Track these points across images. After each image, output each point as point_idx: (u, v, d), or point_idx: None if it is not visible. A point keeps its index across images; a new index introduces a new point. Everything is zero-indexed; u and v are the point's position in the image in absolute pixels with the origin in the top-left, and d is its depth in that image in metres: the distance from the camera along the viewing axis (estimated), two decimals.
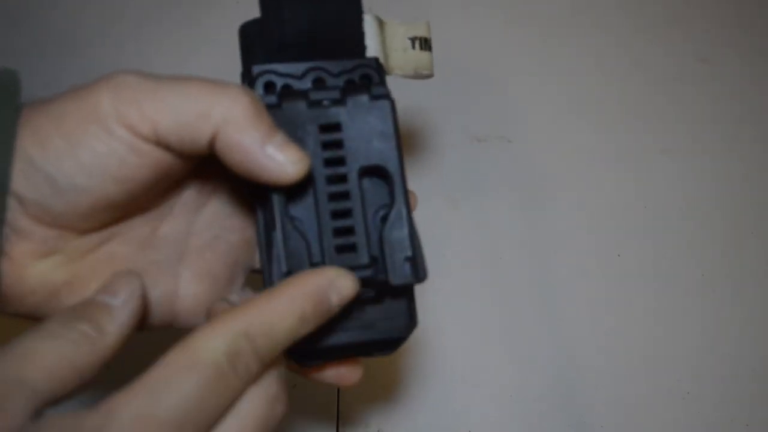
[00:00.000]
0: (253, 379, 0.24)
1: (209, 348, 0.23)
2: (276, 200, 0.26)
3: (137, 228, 0.29)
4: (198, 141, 0.24)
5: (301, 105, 0.27)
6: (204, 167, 0.25)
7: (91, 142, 0.24)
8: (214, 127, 0.24)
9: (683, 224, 0.55)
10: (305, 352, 0.28)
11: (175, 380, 0.22)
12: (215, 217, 0.31)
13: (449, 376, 0.49)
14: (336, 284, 0.25)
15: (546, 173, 0.56)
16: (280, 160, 0.24)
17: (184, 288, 0.30)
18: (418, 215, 0.53)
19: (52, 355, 0.23)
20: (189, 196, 0.30)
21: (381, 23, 0.31)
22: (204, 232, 0.31)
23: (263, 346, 0.24)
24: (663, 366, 0.50)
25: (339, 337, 0.28)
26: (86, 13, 0.59)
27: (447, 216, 0.54)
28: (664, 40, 0.61)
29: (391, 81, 0.51)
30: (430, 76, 0.32)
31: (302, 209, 0.27)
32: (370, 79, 0.28)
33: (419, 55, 0.31)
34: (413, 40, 0.31)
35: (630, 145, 0.57)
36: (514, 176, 0.55)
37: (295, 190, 0.27)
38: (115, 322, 0.24)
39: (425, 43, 0.31)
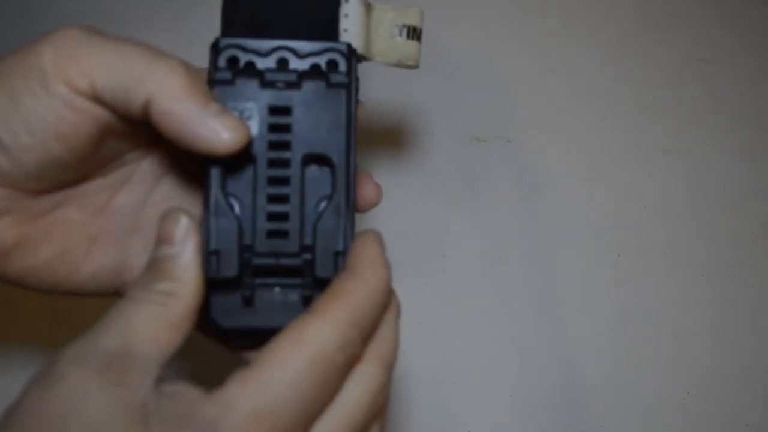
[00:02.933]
0: (357, 360, 0.24)
1: (321, 340, 0.23)
2: (213, 176, 0.26)
3: (93, 194, 0.29)
4: (131, 105, 0.24)
5: (253, 84, 0.26)
6: (163, 139, 0.25)
7: (31, 99, 0.24)
8: (147, 94, 0.24)
9: (683, 224, 0.54)
10: (232, 333, 0.27)
11: (293, 377, 0.22)
12: (173, 190, 0.31)
13: (449, 377, 0.49)
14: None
15: (546, 173, 0.55)
16: (214, 127, 0.24)
17: (134, 258, 0.30)
18: (417, 215, 0.54)
19: (148, 321, 0.23)
20: (148, 166, 0.30)
21: (369, 7, 0.30)
22: (160, 204, 0.31)
23: (366, 328, 0.24)
24: (663, 366, 0.50)
25: (268, 321, 0.27)
26: (82, 9, 0.60)
27: (447, 216, 0.54)
28: (664, 40, 0.61)
29: (390, 78, 0.51)
30: (414, 67, 0.31)
31: (241, 188, 0.27)
32: (337, 66, 0.28)
33: (405, 44, 0.30)
34: (402, 28, 0.30)
35: (630, 145, 0.57)
36: (514, 176, 0.55)
37: (235, 168, 0.27)
38: (186, 268, 0.24)
39: (414, 33, 0.30)
